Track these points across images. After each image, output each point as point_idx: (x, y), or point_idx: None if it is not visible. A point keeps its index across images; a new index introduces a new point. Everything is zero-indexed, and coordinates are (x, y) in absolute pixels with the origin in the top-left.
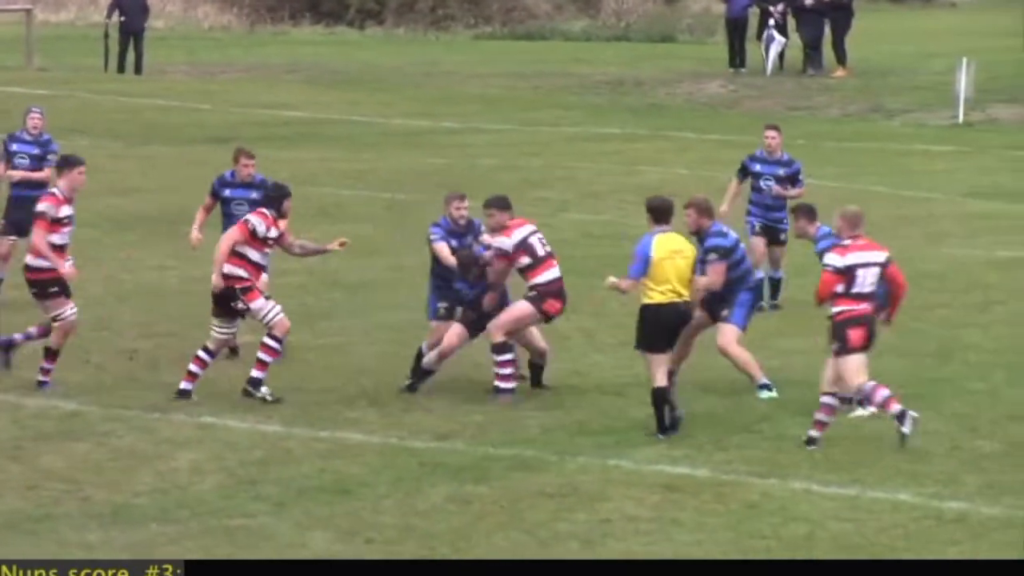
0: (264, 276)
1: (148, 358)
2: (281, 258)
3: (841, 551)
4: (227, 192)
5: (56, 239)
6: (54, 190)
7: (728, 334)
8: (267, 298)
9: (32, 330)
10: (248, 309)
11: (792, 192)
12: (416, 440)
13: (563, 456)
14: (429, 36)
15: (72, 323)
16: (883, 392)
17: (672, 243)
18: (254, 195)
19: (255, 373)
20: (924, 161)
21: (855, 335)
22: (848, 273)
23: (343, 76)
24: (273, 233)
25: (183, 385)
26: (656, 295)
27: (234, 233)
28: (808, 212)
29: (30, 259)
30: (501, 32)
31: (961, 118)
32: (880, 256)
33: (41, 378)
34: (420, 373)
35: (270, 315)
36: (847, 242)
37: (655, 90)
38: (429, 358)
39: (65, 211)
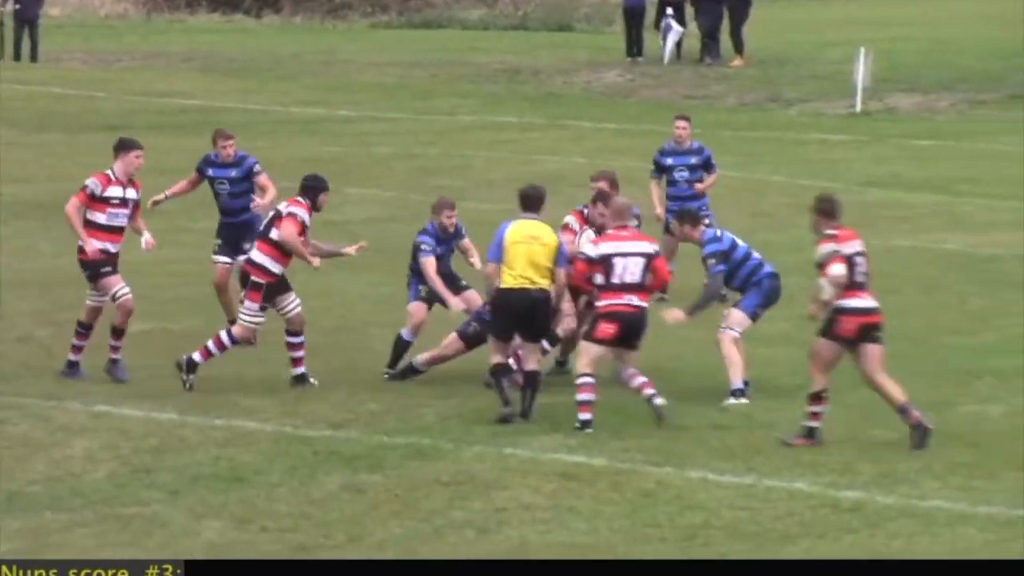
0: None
1: (43, 346)
2: (173, 244)
3: (736, 539)
4: (210, 172)
5: (102, 218)
6: (108, 170)
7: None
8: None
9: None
10: (242, 303)
11: (709, 180)
12: (311, 429)
13: (459, 444)
14: (326, 24)
15: (129, 300)
16: (639, 380)
17: (530, 229)
18: (233, 173)
19: (296, 370)
20: (822, 150)
21: (604, 329)
22: (603, 263)
23: (240, 64)
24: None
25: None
26: (508, 279)
27: (287, 230)
28: (692, 217)
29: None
30: (398, 21)
31: (859, 107)
32: (648, 247)
33: (112, 356)
34: (409, 371)
35: (254, 317)
36: (611, 231)
37: (552, 79)
38: (421, 359)
39: (114, 191)
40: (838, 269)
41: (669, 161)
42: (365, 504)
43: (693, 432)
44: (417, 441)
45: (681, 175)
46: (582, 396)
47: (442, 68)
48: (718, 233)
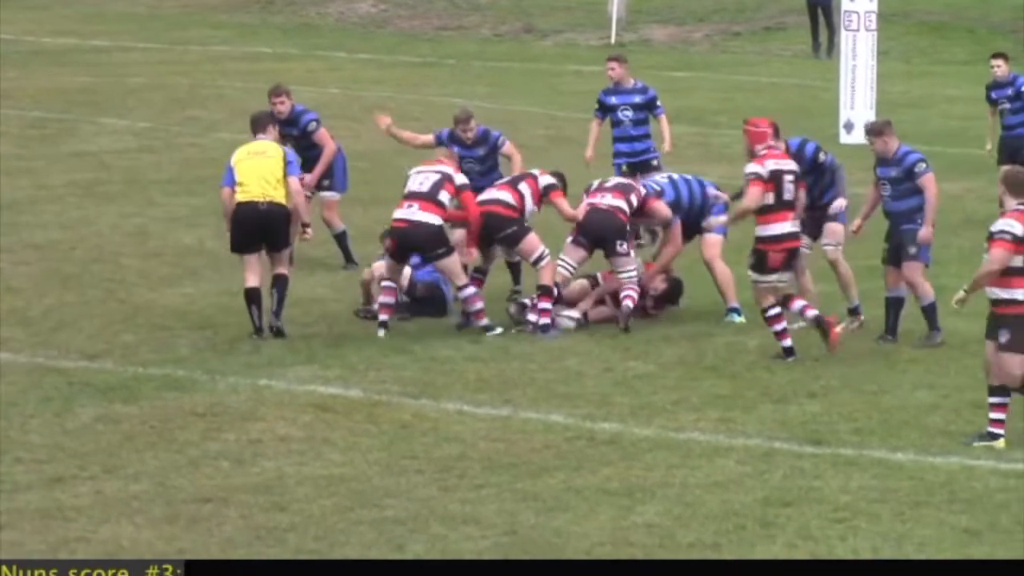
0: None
1: None
2: None
3: (493, 471)
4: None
5: None
6: None
7: (714, 247)
8: None
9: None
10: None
11: (667, 134)
12: (65, 360)
13: (213, 376)
14: None
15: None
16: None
17: (252, 147)
18: (295, 132)
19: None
20: (577, 82)
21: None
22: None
23: None
24: None
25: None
26: (239, 194)
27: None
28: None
29: None
30: None
31: (614, 39)
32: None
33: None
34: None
35: None
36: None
37: (306, 9)
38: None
39: None
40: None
41: (613, 100)
42: (120, 435)
43: (449, 364)
44: (172, 372)
45: (625, 115)
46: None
47: None
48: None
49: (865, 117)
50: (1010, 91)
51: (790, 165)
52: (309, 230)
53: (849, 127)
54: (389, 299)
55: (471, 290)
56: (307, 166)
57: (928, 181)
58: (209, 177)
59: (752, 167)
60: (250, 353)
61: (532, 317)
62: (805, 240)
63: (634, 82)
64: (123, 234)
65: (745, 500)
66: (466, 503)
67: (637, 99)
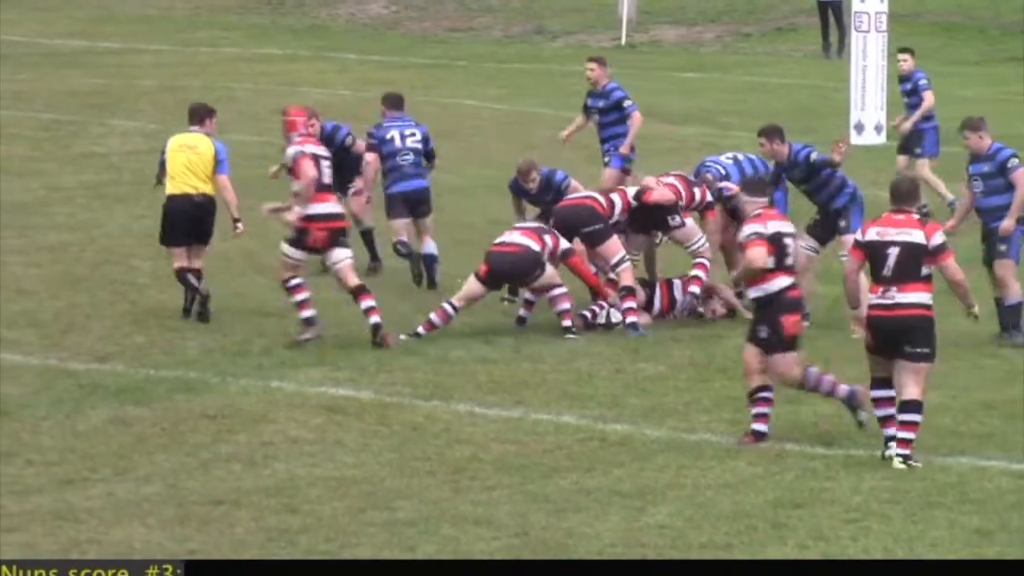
0: None
1: None
2: None
3: (504, 472)
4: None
5: None
6: None
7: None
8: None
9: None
10: None
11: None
12: (76, 362)
13: (224, 378)
14: None
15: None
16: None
17: (185, 140)
18: (332, 149)
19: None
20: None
21: None
22: None
23: None
24: None
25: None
26: (169, 187)
27: None
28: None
29: None
30: None
31: (624, 40)
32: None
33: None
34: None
35: None
36: None
37: (316, 10)
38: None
39: None
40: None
41: (589, 102)
42: (131, 437)
43: (460, 365)
44: (183, 374)
45: (595, 117)
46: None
47: (204, 0)
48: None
49: (876, 118)
50: (908, 85)
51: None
52: (240, 225)
53: (860, 128)
54: (439, 320)
55: (562, 289)
56: (343, 173)
57: (1020, 176)
58: None
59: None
60: (261, 355)
61: (617, 317)
62: (805, 242)
63: (605, 85)
64: (133, 236)
65: (757, 501)
66: (478, 504)
67: (601, 103)
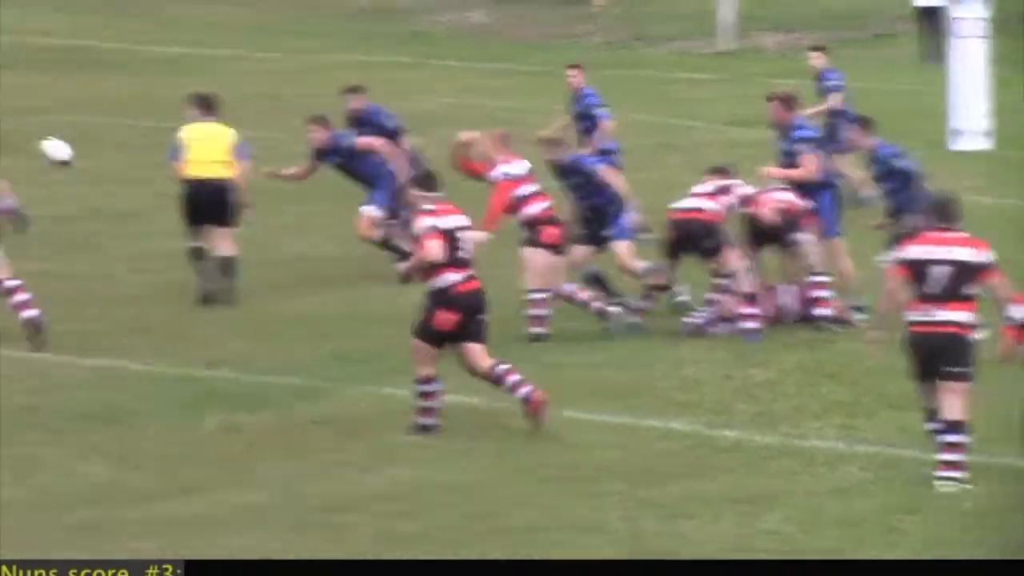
0: None
1: None
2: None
3: (614, 479)
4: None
5: None
6: None
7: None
8: None
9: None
10: None
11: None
12: (186, 368)
13: (337, 384)
14: None
15: None
16: None
17: (205, 128)
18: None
19: None
20: (687, 89)
21: None
22: None
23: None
24: None
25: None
26: (189, 171)
27: None
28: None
29: None
30: None
31: (723, 46)
32: None
33: None
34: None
35: None
36: None
37: (418, 17)
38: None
39: None
40: None
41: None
42: (246, 444)
43: (570, 372)
44: (294, 381)
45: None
46: None
47: (307, 6)
48: None
49: (976, 125)
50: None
51: None
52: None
53: (957, 134)
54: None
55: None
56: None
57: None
58: (315, 185)
59: None
60: (372, 361)
61: (740, 324)
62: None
63: (580, 91)
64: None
65: (869, 507)
66: (589, 510)
67: (575, 110)
